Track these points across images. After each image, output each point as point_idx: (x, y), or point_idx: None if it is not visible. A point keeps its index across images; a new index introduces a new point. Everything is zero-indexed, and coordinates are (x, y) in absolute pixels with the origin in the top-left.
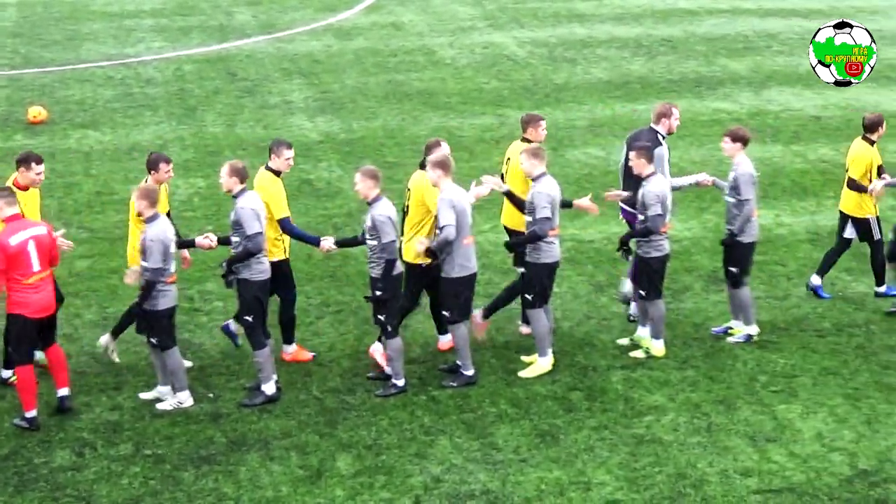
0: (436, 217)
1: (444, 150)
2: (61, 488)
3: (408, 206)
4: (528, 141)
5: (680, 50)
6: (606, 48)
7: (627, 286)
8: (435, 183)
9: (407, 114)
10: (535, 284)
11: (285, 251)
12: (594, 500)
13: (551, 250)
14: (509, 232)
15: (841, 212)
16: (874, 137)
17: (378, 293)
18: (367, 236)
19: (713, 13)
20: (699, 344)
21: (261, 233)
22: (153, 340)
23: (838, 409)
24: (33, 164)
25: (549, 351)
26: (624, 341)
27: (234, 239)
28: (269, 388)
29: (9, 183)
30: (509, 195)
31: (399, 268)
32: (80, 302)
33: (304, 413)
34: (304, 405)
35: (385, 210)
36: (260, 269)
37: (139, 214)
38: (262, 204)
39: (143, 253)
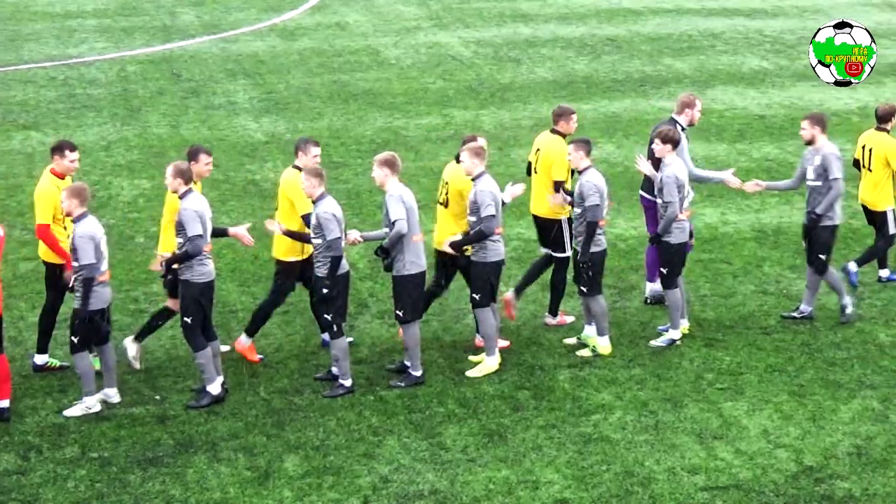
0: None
1: (480, 143)
2: (6, 492)
3: (447, 199)
4: (559, 133)
5: (624, 49)
6: (551, 48)
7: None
8: (382, 182)
9: (352, 114)
10: (481, 283)
11: (302, 251)
12: (542, 499)
13: (496, 249)
14: (539, 220)
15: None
16: (888, 127)
17: (325, 291)
18: (313, 234)
19: (657, 13)
20: (646, 342)
21: (201, 235)
22: (73, 339)
23: (784, 406)
24: (66, 152)
25: (497, 350)
26: (571, 340)
27: (178, 240)
28: (214, 388)
29: (46, 171)
30: None
31: (345, 266)
32: (25, 304)
33: (252, 414)
34: (252, 406)
35: (330, 207)
36: (202, 271)
37: (68, 214)
38: (206, 206)
39: (74, 252)
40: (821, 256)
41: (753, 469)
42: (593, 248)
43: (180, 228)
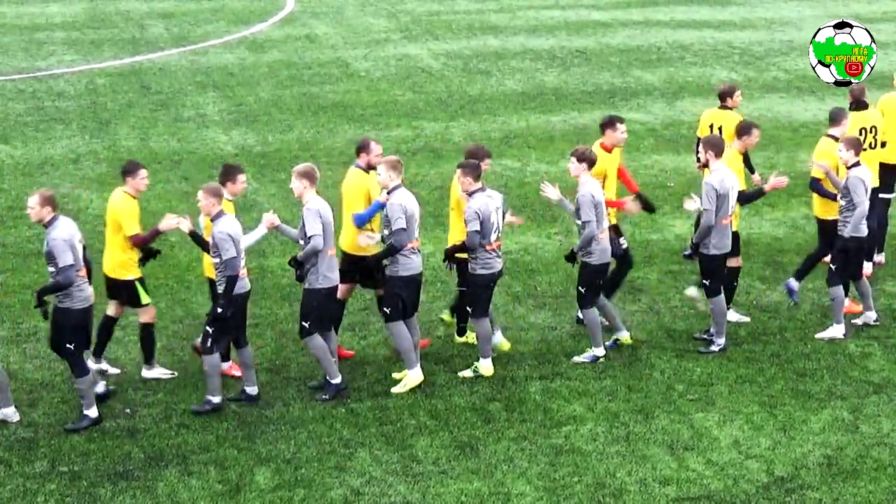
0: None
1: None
2: None
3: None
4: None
5: (594, 61)
6: (520, 60)
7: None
8: (300, 194)
9: (322, 126)
10: (392, 297)
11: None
12: None
13: (409, 263)
14: (821, 222)
15: None
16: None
17: (219, 310)
18: (211, 253)
19: (626, 25)
20: (616, 353)
21: (72, 265)
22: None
23: (754, 417)
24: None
25: (418, 364)
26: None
27: (51, 269)
28: (92, 412)
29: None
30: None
31: (246, 286)
32: None
33: (223, 427)
34: (223, 419)
35: (225, 227)
36: (82, 297)
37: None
38: (76, 232)
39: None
40: (705, 282)
41: (724, 480)
42: (480, 271)
43: (51, 259)
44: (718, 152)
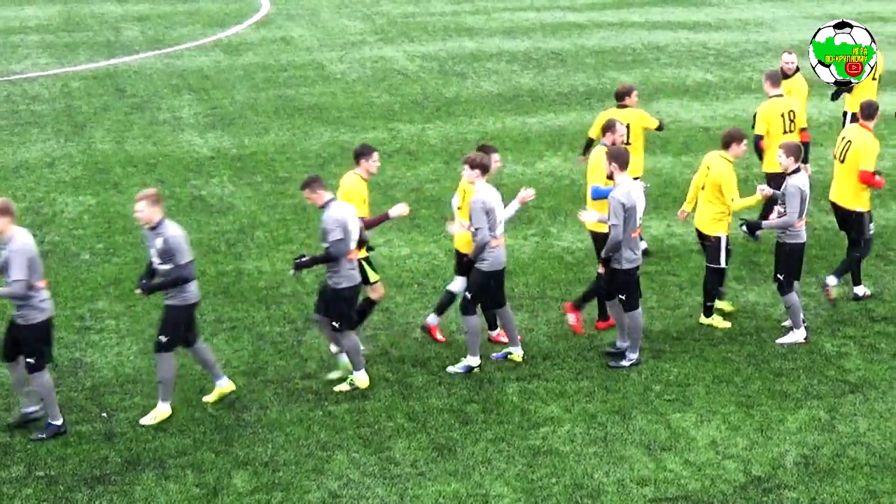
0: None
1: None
2: None
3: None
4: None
5: (569, 63)
6: (496, 62)
7: None
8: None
9: (298, 129)
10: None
11: None
12: None
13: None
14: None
15: None
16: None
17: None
18: None
19: (601, 26)
20: (594, 355)
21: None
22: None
23: (731, 417)
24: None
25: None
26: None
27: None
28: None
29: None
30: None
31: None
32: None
33: (200, 431)
34: (200, 423)
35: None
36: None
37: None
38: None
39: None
40: (621, 297)
41: (702, 480)
42: (345, 284)
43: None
44: (623, 164)
